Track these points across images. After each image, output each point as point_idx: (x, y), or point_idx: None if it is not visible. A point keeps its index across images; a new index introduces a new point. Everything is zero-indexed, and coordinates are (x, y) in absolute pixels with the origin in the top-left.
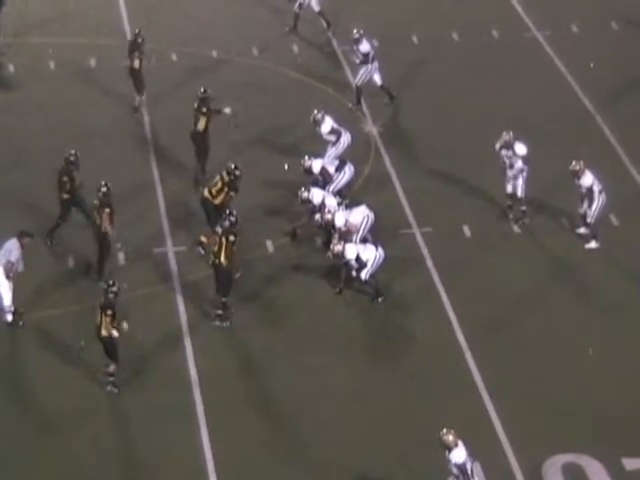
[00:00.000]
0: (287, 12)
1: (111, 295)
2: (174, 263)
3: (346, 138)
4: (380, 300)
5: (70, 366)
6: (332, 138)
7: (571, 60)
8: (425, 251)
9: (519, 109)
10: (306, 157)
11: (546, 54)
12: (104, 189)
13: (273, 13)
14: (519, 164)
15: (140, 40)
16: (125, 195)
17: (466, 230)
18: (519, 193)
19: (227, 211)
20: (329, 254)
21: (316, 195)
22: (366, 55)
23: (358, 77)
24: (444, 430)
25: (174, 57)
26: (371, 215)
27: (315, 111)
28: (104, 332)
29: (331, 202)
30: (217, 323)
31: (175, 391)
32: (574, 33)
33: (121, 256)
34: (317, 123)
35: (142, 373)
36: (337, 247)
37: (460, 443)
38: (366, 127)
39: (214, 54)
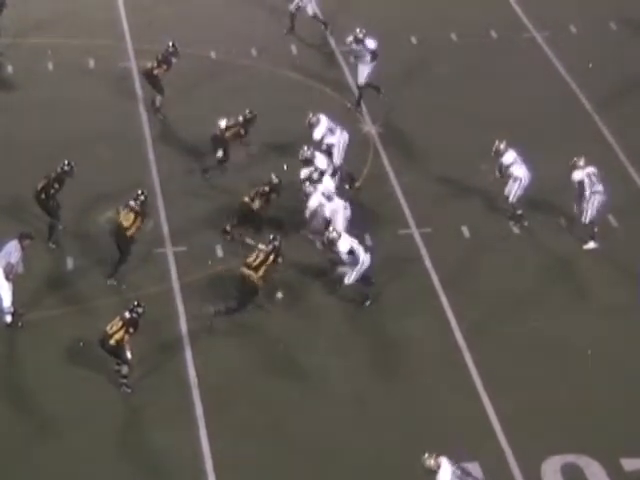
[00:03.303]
0: (286, 13)
1: (135, 315)
2: (173, 264)
3: (343, 138)
4: (367, 304)
5: (69, 367)
6: (329, 140)
7: (570, 60)
8: (424, 251)
9: (518, 109)
10: (304, 147)
11: (545, 54)
12: (142, 197)
13: (272, 14)
14: (509, 171)
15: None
16: (124, 196)
17: (465, 230)
18: (510, 197)
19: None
20: (318, 245)
21: (320, 160)
22: (373, 52)
23: (363, 76)
24: (424, 456)
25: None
26: (343, 209)
27: (310, 114)
28: (112, 341)
29: (328, 184)
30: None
31: (174, 392)
32: (573, 33)
33: None
34: (312, 126)
35: (141, 374)
36: (332, 234)
37: (443, 461)
38: (365, 127)
39: (213, 55)
